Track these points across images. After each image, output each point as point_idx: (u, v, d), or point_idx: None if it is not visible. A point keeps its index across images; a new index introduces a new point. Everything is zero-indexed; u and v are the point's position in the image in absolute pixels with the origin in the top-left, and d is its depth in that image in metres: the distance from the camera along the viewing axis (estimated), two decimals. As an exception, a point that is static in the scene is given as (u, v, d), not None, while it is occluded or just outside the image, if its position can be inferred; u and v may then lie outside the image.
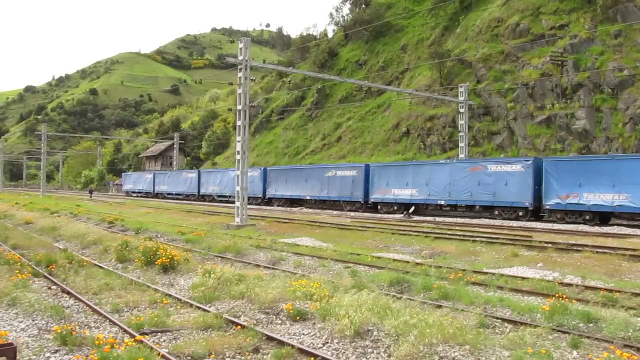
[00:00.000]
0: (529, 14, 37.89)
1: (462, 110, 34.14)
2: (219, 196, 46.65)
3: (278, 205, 40.45)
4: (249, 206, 38.10)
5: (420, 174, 30.10)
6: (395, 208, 31.68)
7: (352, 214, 32.56)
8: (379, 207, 32.90)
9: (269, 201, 42.28)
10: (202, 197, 50.17)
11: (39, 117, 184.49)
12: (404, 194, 30.80)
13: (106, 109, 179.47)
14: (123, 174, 74.05)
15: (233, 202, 25.99)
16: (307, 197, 37.81)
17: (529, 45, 36.12)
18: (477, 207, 27.72)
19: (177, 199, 54.15)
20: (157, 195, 58.61)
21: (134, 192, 65.23)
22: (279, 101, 65.53)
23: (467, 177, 27.54)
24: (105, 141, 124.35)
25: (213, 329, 7.50)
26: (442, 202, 28.96)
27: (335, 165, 38.95)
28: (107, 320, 8.09)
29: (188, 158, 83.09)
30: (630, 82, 29.51)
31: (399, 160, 38.77)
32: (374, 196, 32.66)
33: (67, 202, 44.79)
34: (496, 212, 26.60)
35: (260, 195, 42.45)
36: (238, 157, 24.55)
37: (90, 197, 59.50)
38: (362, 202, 33.51)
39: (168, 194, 56.28)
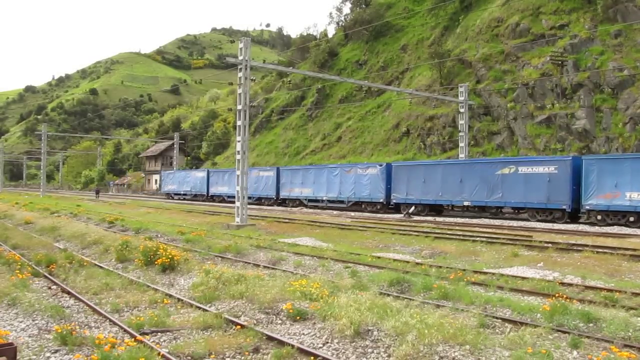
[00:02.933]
0: (529, 14, 37.89)
1: (462, 110, 34.15)
2: (310, 200, 38.46)
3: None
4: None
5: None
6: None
7: (353, 214, 32.55)
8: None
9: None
10: (284, 202, 41.08)
11: (39, 117, 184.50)
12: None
13: (106, 109, 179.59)
14: (162, 172, 64.85)
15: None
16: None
17: (529, 45, 36.12)
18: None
19: (324, 209, 45.94)
20: (212, 199, 49.21)
21: (177, 195, 55.96)
22: (279, 101, 65.54)
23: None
24: (105, 141, 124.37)
25: (213, 329, 7.50)
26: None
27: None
28: (107, 320, 8.09)
29: (188, 158, 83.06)
30: (630, 82, 29.51)
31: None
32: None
33: (67, 202, 44.79)
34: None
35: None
36: (238, 157, 24.55)
37: (97, 197, 58.01)
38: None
39: (229, 197, 44.60)
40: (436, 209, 29.93)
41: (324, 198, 36.18)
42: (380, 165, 32.39)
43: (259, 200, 42.74)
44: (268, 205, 40.92)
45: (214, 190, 42.43)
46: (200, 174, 52.07)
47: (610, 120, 29.58)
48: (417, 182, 29.67)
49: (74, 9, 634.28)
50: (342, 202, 35.00)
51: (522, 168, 25.16)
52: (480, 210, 27.66)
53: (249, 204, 42.35)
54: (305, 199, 38.08)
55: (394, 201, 31.14)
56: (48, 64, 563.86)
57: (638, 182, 21.34)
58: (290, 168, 41.82)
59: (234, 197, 42.08)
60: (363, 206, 33.20)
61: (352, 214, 32.46)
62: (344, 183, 34.53)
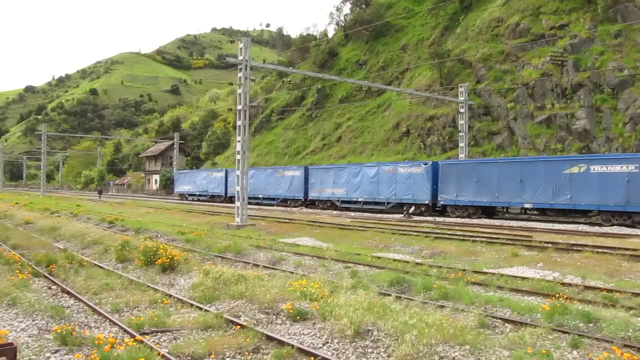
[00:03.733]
0: (529, 14, 37.88)
1: (462, 110, 34.16)
2: (343, 201, 36.09)
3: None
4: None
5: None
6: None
7: (353, 214, 32.51)
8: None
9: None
10: (312, 203, 38.59)
11: (39, 117, 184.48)
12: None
13: (106, 109, 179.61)
14: (176, 172, 60.84)
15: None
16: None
17: (529, 45, 36.11)
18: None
19: (267, 205, 40.81)
20: (231, 200, 43.20)
21: (192, 195, 52.91)
22: (279, 101, 65.52)
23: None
24: (105, 141, 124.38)
25: (213, 329, 7.50)
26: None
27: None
28: (107, 320, 8.09)
29: (188, 158, 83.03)
30: (630, 82, 29.51)
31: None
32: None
33: (67, 202, 44.79)
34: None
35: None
36: (238, 157, 24.55)
37: (99, 197, 57.18)
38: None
39: (254, 198, 41.07)
40: (488, 212, 28.09)
41: (360, 199, 34.14)
42: (426, 164, 30.55)
43: (284, 202, 40.87)
44: (295, 206, 38.85)
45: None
46: (218, 173, 48.86)
47: (610, 120, 29.57)
48: (468, 182, 27.70)
49: (74, 9, 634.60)
50: (380, 203, 32.93)
51: (595, 167, 23.11)
52: (542, 212, 25.96)
53: (276, 205, 41.03)
54: (338, 200, 36.05)
55: (442, 202, 29.28)
56: (48, 64, 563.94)
57: None
58: (321, 167, 39.74)
59: (255, 198, 40.53)
60: (405, 208, 30.49)
61: (352, 214, 32.44)
62: (383, 183, 32.40)
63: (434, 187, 29.51)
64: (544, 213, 26.04)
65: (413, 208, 30.12)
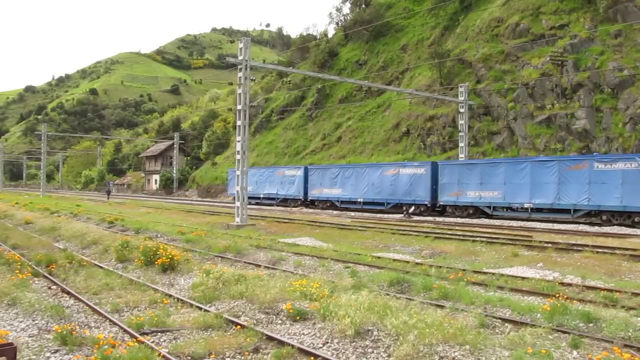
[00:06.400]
0: (529, 14, 37.87)
1: (462, 110, 34.17)
2: (342, 202, 34.20)
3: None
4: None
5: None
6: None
7: (353, 214, 32.50)
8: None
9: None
10: (312, 203, 37.24)
11: (39, 117, 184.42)
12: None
13: (106, 109, 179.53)
14: (229, 170, 48.78)
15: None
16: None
17: (529, 45, 36.11)
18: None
19: (359, 211, 33.70)
20: (312, 204, 38.15)
21: (253, 198, 41.51)
22: (279, 101, 65.48)
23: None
24: (105, 141, 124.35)
25: (213, 329, 7.50)
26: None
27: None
28: (107, 320, 8.09)
29: (188, 158, 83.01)
30: (630, 82, 29.50)
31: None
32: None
33: (67, 202, 44.79)
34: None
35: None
36: (238, 157, 24.55)
37: (108, 198, 54.29)
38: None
39: (345, 201, 35.21)
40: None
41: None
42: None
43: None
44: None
45: (316, 192, 35.84)
46: (294, 171, 40.22)
47: (610, 120, 29.57)
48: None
49: (74, 9, 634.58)
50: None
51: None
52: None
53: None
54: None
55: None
56: (48, 64, 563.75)
57: None
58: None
59: (353, 201, 35.16)
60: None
61: (352, 214, 32.43)
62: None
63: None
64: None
65: (413, 208, 30.12)
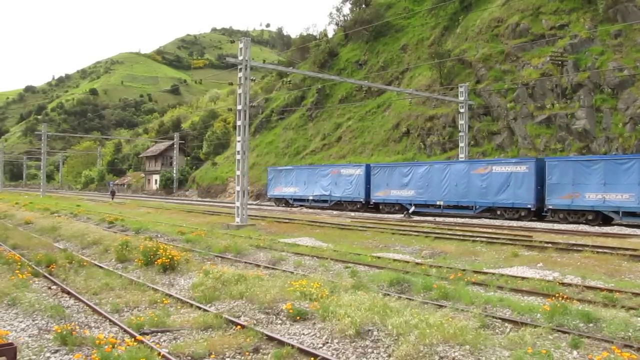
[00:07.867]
0: (529, 14, 37.87)
1: (462, 110, 34.17)
2: (417, 205, 30.78)
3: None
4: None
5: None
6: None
7: (353, 214, 32.46)
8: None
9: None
10: (376, 206, 33.94)
11: (39, 117, 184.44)
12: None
13: (106, 109, 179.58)
14: (269, 168, 44.67)
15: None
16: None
17: (529, 45, 36.11)
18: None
19: (439, 216, 29.80)
20: (377, 207, 34.28)
21: (300, 201, 39.47)
22: (279, 101, 65.48)
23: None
24: (105, 141, 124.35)
25: (213, 329, 7.50)
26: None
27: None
28: (107, 320, 8.09)
29: (188, 158, 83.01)
30: (630, 82, 29.50)
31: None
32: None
33: (67, 202, 44.79)
34: None
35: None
36: (238, 157, 24.55)
37: (112, 199, 53.00)
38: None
39: (415, 204, 31.13)
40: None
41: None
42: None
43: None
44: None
45: (381, 195, 32.49)
46: (353, 170, 35.80)
47: (610, 120, 29.57)
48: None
49: (74, 9, 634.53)
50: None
51: None
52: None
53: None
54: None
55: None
56: (48, 64, 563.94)
57: None
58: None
59: (430, 205, 30.16)
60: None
61: (352, 214, 32.42)
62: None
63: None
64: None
65: (413, 208, 30.12)
